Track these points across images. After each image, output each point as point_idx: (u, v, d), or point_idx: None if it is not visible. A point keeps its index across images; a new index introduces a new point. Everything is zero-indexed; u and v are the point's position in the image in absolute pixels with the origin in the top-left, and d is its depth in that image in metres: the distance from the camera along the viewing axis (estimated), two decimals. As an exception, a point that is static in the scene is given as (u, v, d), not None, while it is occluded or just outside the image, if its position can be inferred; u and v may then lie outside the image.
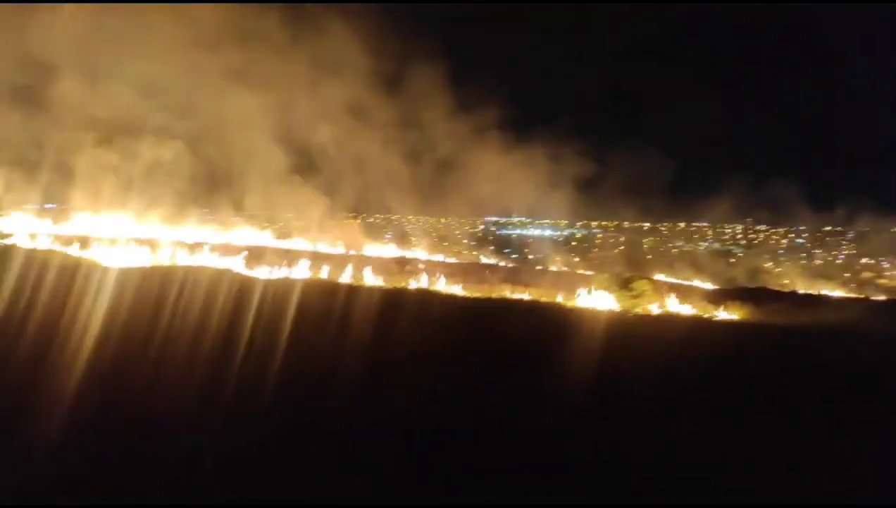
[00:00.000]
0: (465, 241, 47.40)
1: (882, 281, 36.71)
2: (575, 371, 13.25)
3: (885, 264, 39.84)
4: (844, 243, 46.02)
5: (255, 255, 28.57)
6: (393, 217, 52.14)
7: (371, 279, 26.03)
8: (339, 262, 28.33)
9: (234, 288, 18.93)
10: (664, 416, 11.22)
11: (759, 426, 10.92)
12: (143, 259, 26.37)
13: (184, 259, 27.65)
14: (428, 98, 37.40)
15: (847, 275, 37.28)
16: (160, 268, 23.55)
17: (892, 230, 42.41)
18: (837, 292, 32.46)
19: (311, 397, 11.40)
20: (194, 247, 29.60)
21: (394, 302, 20.29)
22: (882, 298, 29.44)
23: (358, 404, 11.15)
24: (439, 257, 36.19)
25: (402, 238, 43.75)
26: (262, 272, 25.79)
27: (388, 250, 37.28)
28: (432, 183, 39.23)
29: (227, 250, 29.87)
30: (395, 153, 38.14)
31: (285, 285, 20.53)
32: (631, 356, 15.05)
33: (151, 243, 29.19)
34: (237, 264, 26.69)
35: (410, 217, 53.09)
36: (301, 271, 26.82)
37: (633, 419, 11.00)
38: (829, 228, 47.67)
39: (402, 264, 28.96)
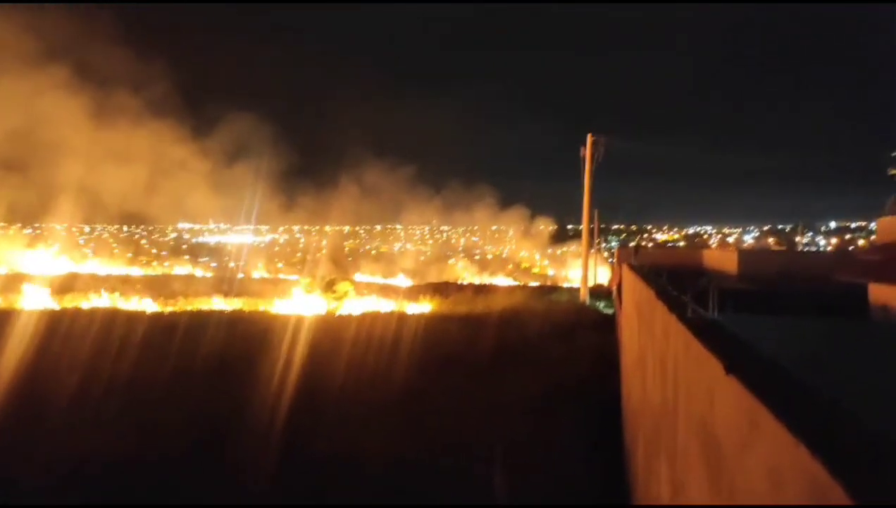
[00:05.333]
0: (155, 251, 43.27)
1: (535, 269, 44.38)
2: (279, 378, 13.37)
3: (538, 256, 48.24)
4: (508, 239, 54.24)
5: None
6: (56, 226, 44.64)
7: (40, 300, 22.19)
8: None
9: None
10: (365, 410, 12.06)
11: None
12: None
13: None
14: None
15: (510, 266, 44.16)
16: None
17: (540, 228, 51.41)
18: (505, 281, 38.24)
19: None
20: None
21: (71, 324, 17.72)
22: (535, 283, 35.64)
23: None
24: (125, 270, 32.46)
25: (74, 250, 38.06)
26: None
27: (55, 264, 32.07)
28: (108, 188, 34.72)
29: None
30: (67, 156, 32.95)
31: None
32: (332, 358, 15.56)
33: None
34: None
35: (85, 226, 46.40)
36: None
37: (337, 419, 11.58)
38: (496, 227, 55.53)
39: (74, 281, 25.27)
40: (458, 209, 47.01)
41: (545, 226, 50.42)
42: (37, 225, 42.97)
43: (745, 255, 23.45)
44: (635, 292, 11.17)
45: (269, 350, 15.53)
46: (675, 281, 9.33)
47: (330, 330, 18.90)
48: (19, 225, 39.61)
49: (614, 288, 23.81)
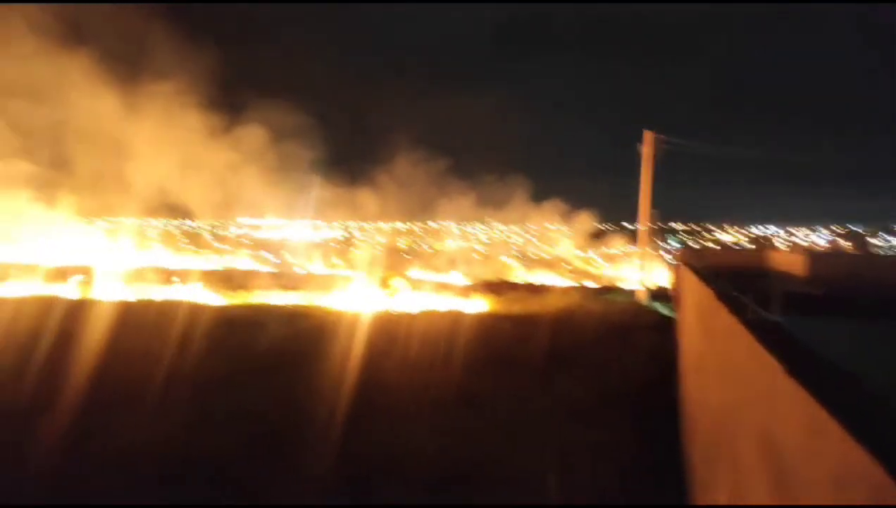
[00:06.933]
0: (218, 245, 44.91)
1: (591, 270, 43.70)
2: (336, 376, 13.60)
3: (594, 255, 47.52)
4: (563, 238, 53.60)
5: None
6: (130, 221, 46.83)
7: (112, 291, 23.37)
8: (70, 275, 24.91)
9: None
10: (418, 409, 12.16)
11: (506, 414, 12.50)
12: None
13: None
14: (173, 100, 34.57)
15: (566, 266, 43.62)
16: None
17: (598, 227, 50.64)
18: (560, 280, 37.84)
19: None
20: None
21: (140, 316, 18.63)
22: (592, 283, 35.13)
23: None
24: (191, 264, 33.81)
25: (144, 243, 39.89)
26: None
27: (128, 257, 33.64)
28: (175, 183, 36.08)
29: None
30: (133, 154, 34.40)
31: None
32: (388, 354, 15.77)
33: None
34: None
35: (152, 219, 48.48)
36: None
37: (390, 416, 11.73)
38: (551, 225, 54.97)
39: (149, 273, 26.49)
40: (513, 208, 46.86)
41: (602, 225, 49.63)
42: (111, 219, 45.20)
43: (813, 257, 22.48)
44: (696, 293, 10.90)
45: (326, 345, 15.89)
46: (738, 283, 9.07)
47: (385, 326, 19.17)
48: (93, 218, 41.70)
49: (674, 289, 23.25)
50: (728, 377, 5.62)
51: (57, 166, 32.91)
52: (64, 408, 11.27)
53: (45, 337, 15.62)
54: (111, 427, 10.67)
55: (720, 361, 6.32)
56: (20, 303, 19.45)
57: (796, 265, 20.63)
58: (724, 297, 7.04)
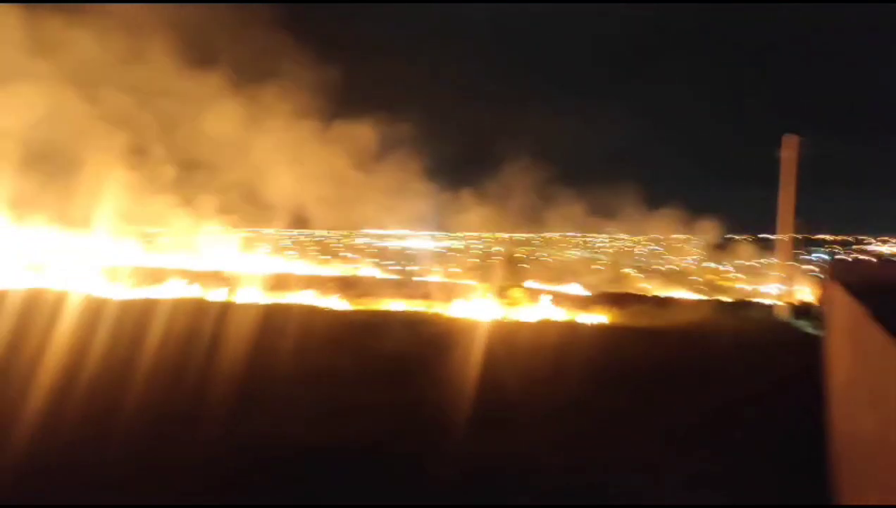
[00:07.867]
0: (346, 254, 47.15)
1: (724, 283, 41.03)
2: (457, 382, 13.68)
3: (726, 268, 44.59)
4: (692, 249, 50.80)
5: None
6: (266, 231, 50.20)
7: (251, 296, 25.25)
8: (215, 280, 27.25)
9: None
10: (540, 419, 11.95)
11: (633, 425, 11.98)
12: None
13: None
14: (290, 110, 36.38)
15: (696, 278, 41.25)
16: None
17: (725, 237, 47.39)
18: (689, 294, 35.85)
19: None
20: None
21: (276, 318, 19.91)
22: (725, 298, 32.96)
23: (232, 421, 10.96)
24: (321, 271, 35.78)
25: (281, 252, 42.67)
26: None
27: (267, 264, 36.21)
28: (306, 196, 38.13)
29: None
30: (267, 166, 36.71)
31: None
32: (508, 363, 15.66)
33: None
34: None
35: (286, 231, 51.66)
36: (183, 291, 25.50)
37: (512, 425, 11.60)
38: (678, 236, 52.26)
39: (283, 280, 28.34)
40: (636, 217, 45.04)
41: (736, 236, 46.49)
42: (248, 229, 48.76)
43: None
44: (845, 309, 9.89)
45: (447, 351, 16.12)
46: (897, 299, 8.10)
47: (504, 335, 19.16)
48: (233, 228, 45.05)
49: (821, 305, 21.28)
50: (882, 403, 5.01)
51: (198, 179, 35.66)
52: (210, 403, 12.10)
53: (194, 337, 17.08)
54: (253, 421, 11.36)
55: (873, 385, 5.66)
56: (173, 305, 21.48)
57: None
58: (880, 315, 6.30)
